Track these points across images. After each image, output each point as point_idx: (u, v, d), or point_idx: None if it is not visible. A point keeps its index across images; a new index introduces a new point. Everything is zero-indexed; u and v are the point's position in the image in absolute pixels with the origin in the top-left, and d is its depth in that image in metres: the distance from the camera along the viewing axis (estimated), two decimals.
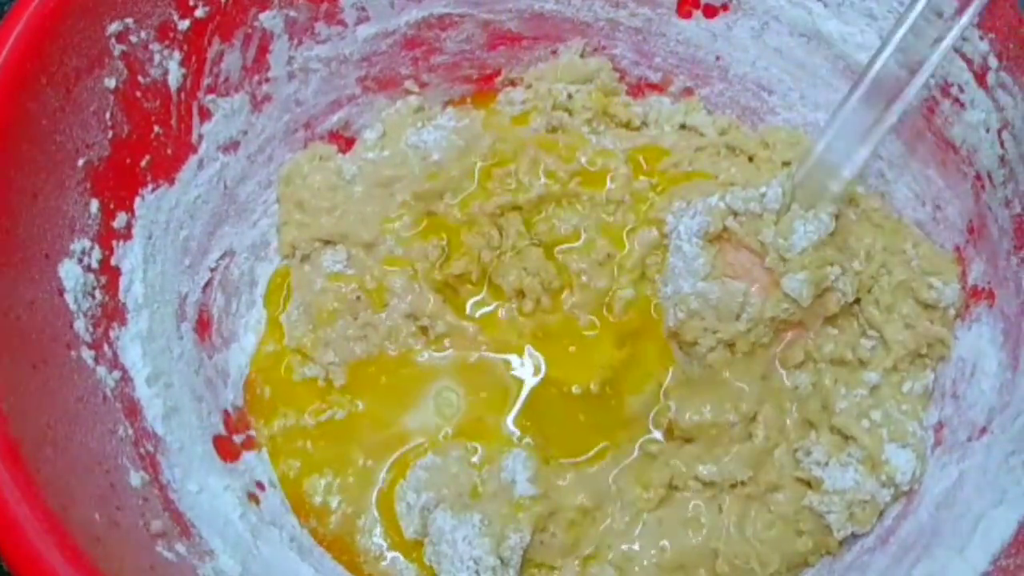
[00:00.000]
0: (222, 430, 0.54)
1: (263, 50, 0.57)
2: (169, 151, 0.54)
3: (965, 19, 0.47)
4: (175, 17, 0.52)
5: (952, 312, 0.56)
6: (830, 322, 0.57)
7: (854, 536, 0.54)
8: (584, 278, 0.59)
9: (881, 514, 0.54)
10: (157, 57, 0.52)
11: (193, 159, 0.55)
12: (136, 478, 0.45)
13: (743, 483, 0.54)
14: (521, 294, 0.59)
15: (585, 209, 0.61)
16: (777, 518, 0.54)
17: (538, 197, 0.60)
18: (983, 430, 0.51)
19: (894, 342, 0.56)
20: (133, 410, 0.48)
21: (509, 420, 0.57)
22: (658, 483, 0.55)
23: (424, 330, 0.59)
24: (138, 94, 0.51)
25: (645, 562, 0.54)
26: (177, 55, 0.53)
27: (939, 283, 0.56)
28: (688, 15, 0.63)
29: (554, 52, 0.66)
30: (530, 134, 0.64)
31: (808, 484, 0.54)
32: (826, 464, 0.54)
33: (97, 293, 0.48)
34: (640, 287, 0.59)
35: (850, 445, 0.54)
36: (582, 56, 0.65)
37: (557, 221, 0.61)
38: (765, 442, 0.55)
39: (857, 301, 0.57)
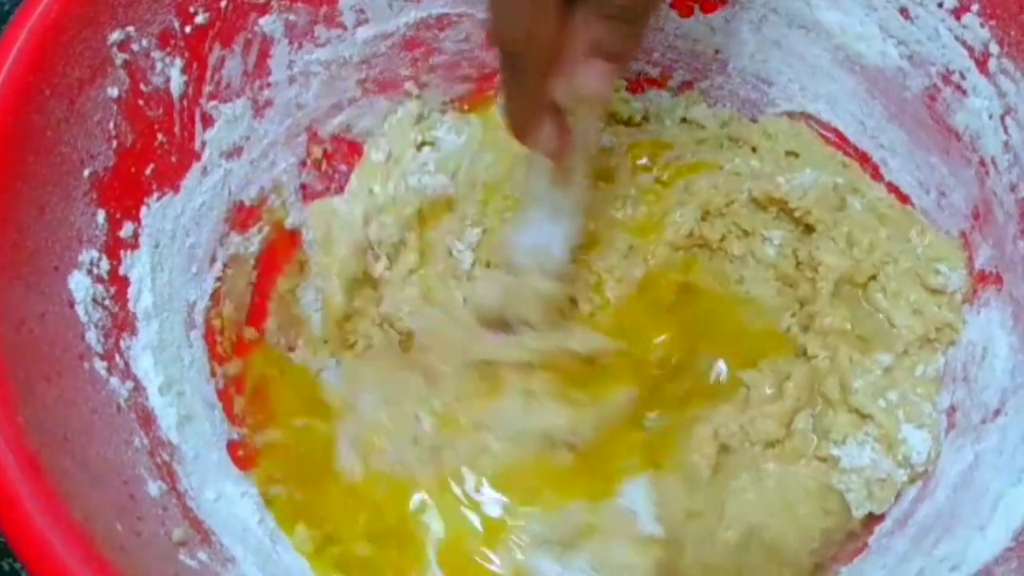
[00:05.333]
0: (235, 436, 0.54)
1: (264, 55, 0.57)
2: (173, 159, 0.53)
3: None
4: (176, 24, 0.52)
5: (959, 297, 0.56)
6: (839, 300, 0.57)
7: (872, 518, 0.54)
8: (617, 273, 0.59)
9: (898, 496, 0.54)
10: (159, 65, 0.51)
11: (197, 166, 0.55)
12: (154, 487, 0.45)
13: (773, 445, 0.54)
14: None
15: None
16: (806, 494, 0.54)
17: None
18: (997, 412, 0.51)
19: (902, 327, 0.56)
20: (147, 420, 0.48)
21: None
22: (710, 445, 0.55)
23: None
24: (141, 102, 0.51)
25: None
26: (179, 62, 0.52)
27: (945, 268, 0.56)
28: (686, 10, 0.63)
29: None
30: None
31: (825, 462, 0.54)
32: (843, 442, 0.54)
33: (107, 303, 0.48)
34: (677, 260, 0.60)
35: (867, 424, 0.55)
36: None
37: None
38: (796, 402, 0.55)
39: (864, 286, 0.57)
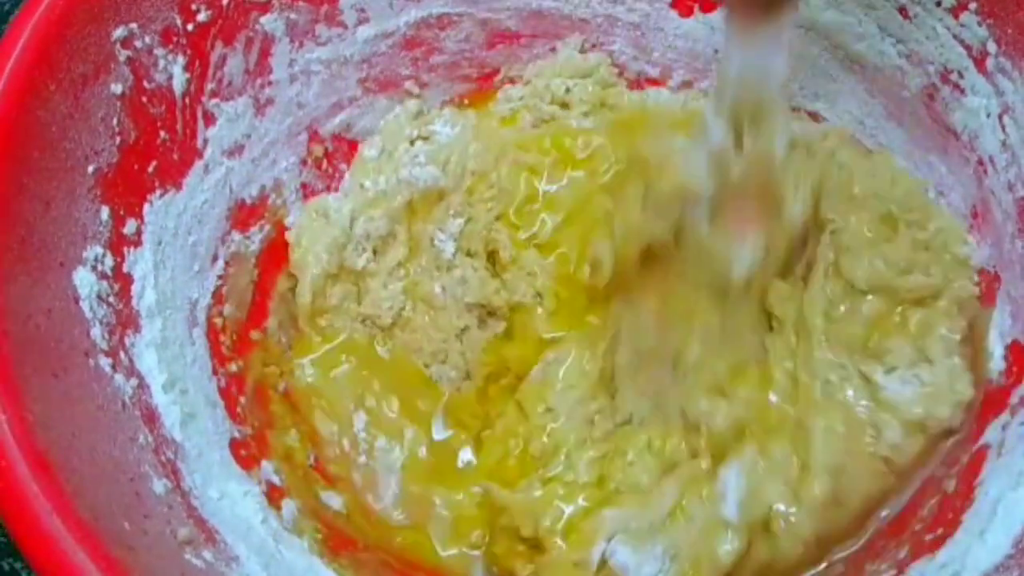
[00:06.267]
0: (237, 435, 0.54)
1: (265, 53, 0.57)
2: (175, 156, 0.53)
3: None
4: (178, 22, 0.52)
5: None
6: None
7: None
8: None
9: None
10: (162, 62, 0.51)
11: (199, 164, 0.55)
12: (160, 486, 0.44)
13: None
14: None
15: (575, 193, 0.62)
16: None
17: (524, 198, 0.61)
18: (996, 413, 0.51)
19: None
20: (151, 417, 0.47)
21: None
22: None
23: None
24: (144, 99, 0.51)
25: None
26: (181, 60, 0.52)
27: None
28: (686, 10, 0.63)
29: (552, 49, 0.66)
30: (513, 135, 0.64)
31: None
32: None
33: (111, 300, 0.48)
34: None
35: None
36: (581, 52, 0.66)
37: (546, 215, 0.61)
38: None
39: None
